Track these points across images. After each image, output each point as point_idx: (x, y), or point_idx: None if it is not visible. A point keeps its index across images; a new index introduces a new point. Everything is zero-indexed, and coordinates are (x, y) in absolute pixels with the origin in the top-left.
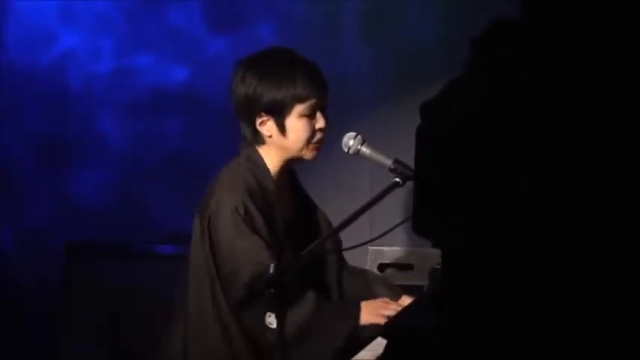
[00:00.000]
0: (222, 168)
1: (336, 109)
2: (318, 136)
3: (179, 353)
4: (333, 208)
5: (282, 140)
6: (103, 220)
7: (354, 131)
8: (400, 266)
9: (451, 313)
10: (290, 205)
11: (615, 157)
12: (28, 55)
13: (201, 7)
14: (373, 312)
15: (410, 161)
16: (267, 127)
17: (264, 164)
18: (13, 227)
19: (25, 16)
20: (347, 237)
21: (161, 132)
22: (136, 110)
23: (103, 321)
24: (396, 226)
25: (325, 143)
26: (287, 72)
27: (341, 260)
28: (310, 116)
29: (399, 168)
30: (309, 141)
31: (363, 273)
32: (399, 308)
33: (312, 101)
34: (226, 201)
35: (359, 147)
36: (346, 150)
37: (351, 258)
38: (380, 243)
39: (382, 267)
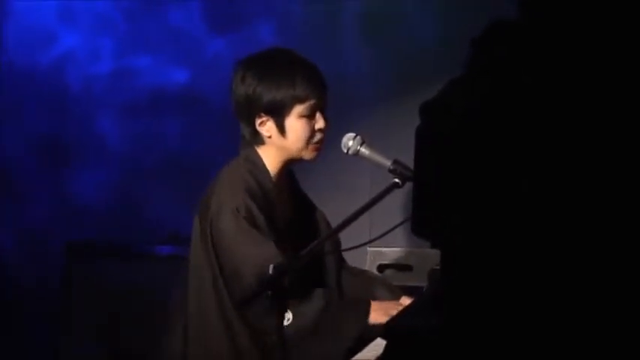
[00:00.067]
0: (221, 168)
1: (335, 109)
2: (318, 136)
3: (179, 353)
4: (332, 209)
5: (282, 141)
6: (102, 220)
7: (353, 131)
8: (399, 267)
9: (450, 313)
10: (289, 206)
11: (615, 157)
12: (28, 56)
13: (201, 8)
14: (383, 312)
15: (410, 161)
16: (266, 127)
17: (264, 165)
18: (13, 227)
19: (24, 16)
20: (346, 238)
21: (161, 132)
22: (135, 110)
23: (103, 321)
24: (396, 227)
25: (325, 144)
26: (286, 72)
27: (340, 261)
28: (310, 117)
29: (398, 169)
30: (308, 141)
31: (362, 273)
32: None
33: (312, 102)
34: (227, 202)
35: (358, 148)
36: (345, 151)
37: (350, 259)
38: (379, 244)
39: (381, 268)
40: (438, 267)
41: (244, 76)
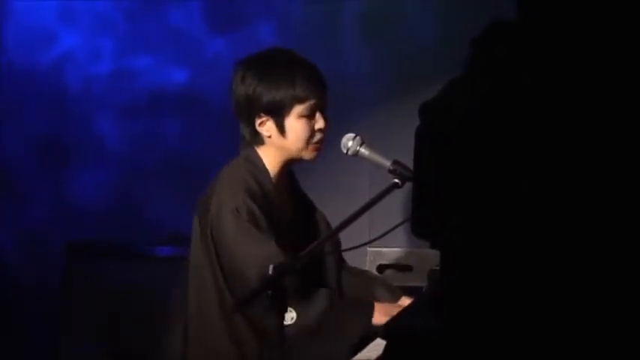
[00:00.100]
0: (221, 168)
1: (335, 109)
2: (318, 136)
3: (179, 353)
4: (332, 209)
5: (282, 141)
6: (102, 220)
7: (353, 131)
8: (399, 267)
9: (450, 314)
10: (289, 206)
11: (615, 156)
12: (28, 56)
13: (201, 8)
14: (386, 313)
15: (410, 162)
16: (266, 127)
17: (264, 165)
18: (13, 227)
19: (24, 16)
20: (346, 238)
21: (161, 132)
22: (135, 110)
23: (103, 321)
24: (395, 227)
25: (324, 144)
26: (286, 73)
27: (340, 261)
28: (309, 117)
29: (397, 169)
30: (308, 141)
31: (362, 273)
32: None
33: (312, 102)
34: (227, 202)
35: (358, 148)
36: (345, 151)
37: (350, 259)
38: (379, 244)
39: (381, 268)
40: (437, 267)
41: (244, 76)
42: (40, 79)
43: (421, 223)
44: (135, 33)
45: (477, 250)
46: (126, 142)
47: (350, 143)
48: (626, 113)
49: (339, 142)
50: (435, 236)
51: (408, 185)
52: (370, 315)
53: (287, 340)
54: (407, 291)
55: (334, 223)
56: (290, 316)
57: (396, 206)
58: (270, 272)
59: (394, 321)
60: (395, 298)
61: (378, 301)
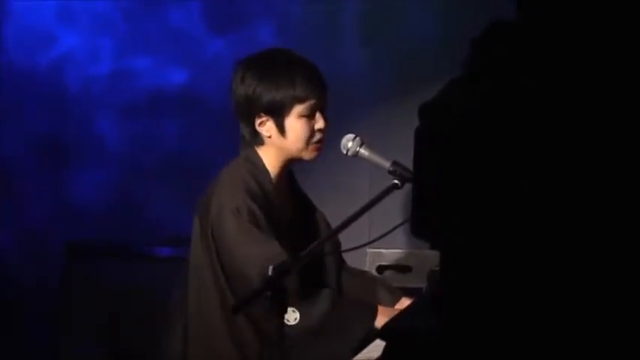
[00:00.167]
0: (221, 169)
1: (335, 109)
2: (318, 136)
3: (179, 353)
4: (331, 210)
5: (282, 141)
6: (102, 221)
7: (353, 131)
8: (399, 268)
9: (450, 314)
10: (289, 206)
11: (615, 156)
12: (27, 56)
13: (200, 8)
14: (388, 316)
15: (410, 162)
16: (266, 127)
17: (264, 165)
18: (13, 227)
19: (23, 16)
20: (345, 239)
21: (160, 132)
22: (135, 111)
23: (103, 321)
24: (395, 228)
25: (324, 144)
26: (286, 73)
27: (340, 261)
28: (309, 117)
29: (397, 170)
30: (308, 141)
31: (362, 274)
32: None
33: (312, 102)
34: (227, 202)
35: (357, 149)
36: (345, 152)
37: (349, 260)
38: (378, 245)
39: (381, 269)
40: (437, 268)
41: (244, 76)
42: (39, 80)
43: (421, 223)
44: (135, 33)
45: (476, 251)
46: (126, 142)
47: (350, 144)
48: (626, 113)
49: (339, 143)
50: (434, 237)
51: (408, 186)
52: (373, 317)
53: (289, 341)
54: (406, 292)
55: (334, 223)
56: (293, 317)
57: (395, 207)
58: (270, 273)
59: (393, 322)
60: (395, 299)
61: (378, 302)
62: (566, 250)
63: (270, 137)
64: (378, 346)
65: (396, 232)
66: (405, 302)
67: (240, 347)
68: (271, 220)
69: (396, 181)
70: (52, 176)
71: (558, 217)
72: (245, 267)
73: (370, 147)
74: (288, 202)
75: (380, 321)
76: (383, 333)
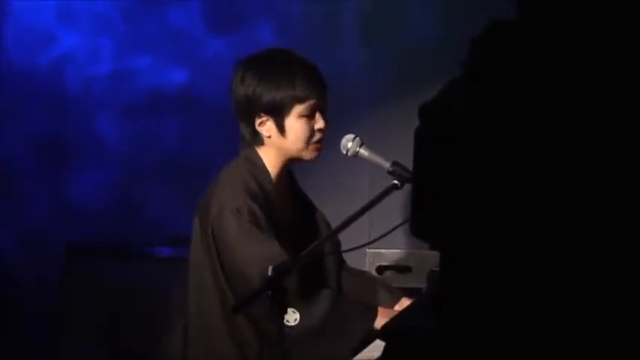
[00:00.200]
0: (221, 169)
1: (335, 109)
2: (318, 136)
3: (179, 353)
4: (331, 210)
5: (281, 140)
6: (102, 221)
7: (353, 132)
8: (398, 268)
9: (450, 315)
10: (289, 206)
11: (615, 156)
12: (27, 56)
13: (200, 8)
14: (388, 316)
15: (410, 162)
16: (266, 127)
17: (264, 165)
18: (13, 227)
19: (23, 16)
20: (345, 239)
21: (160, 133)
22: (135, 111)
23: (103, 321)
24: (395, 229)
25: (324, 144)
26: (286, 73)
27: (340, 262)
28: (309, 116)
29: (397, 170)
30: (308, 141)
31: (362, 274)
32: None
33: (312, 102)
34: (228, 202)
35: (357, 149)
36: (344, 152)
37: (349, 260)
38: (378, 245)
39: (380, 269)
40: (436, 268)
41: (244, 76)
42: (39, 80)
43: (421, 224)
44: (134, 33)
45: (476, 251)
46: (126, 142)
47: (349, 144)
48: (626, 113)
49: (339, 143)
50: (434, 237)
51: (408, 186)
52: (373, 318)
53: (289, 341)
54: (406, 292)
55: (334, 223)
56: (293, 318)
57: (395, 207)
58: (270, 273)
59: (393, 322)
60: (395, 299)
61: (378, 302)
62: (565, 250)
63: (270, 137)
64: (378, 346)
65: (395, 233)
66: (404, 302)
67: (240, 347)
68: (271, 220)
69: (395, 182)
70: (52, 176)
71: (558, 217)
72: (245, 267)
73: (370, 147)
74: (288, 202)
75: (379, 322)
76: (383, 333)
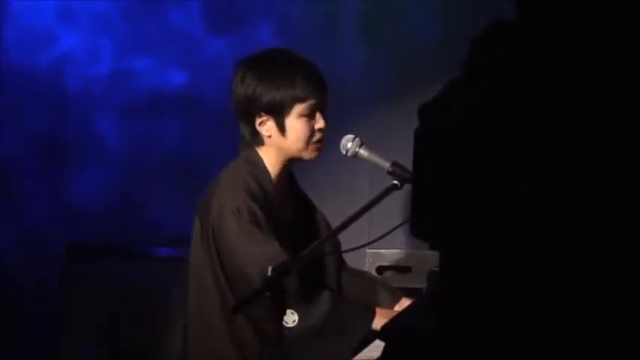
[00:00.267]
0: (221, 169)
1: (335, 109)
2: (318, 136)
3: (179, 353)
4: (331, 210)
5: (282, 140)
6: (102, 221)
7: (353, 132)
8: (398, 269)
9: (450, 315)
10: (289, 206)
11: (615, 156)
12: (27, 56)
13: (200, 8)
14: (386, 317)
15: (410, 162)
16: (266, 127)
17: (264, 165)
18: (13, 227)
19: (23, 16)
20: (345, 239)
21: (160, 133)
22: (135, 111)
23: (103, 321)
24: (395, 229)
25: (324, 144)
26: (286, 73)
27: (340, 262)
28: (310, 116)
29: (397, 170)
30: (308, 141)
31: (362, 274)
32: None
33: (312, 101)
34: (228, 203)
35: (357, 149)
36: (344, 152)
37: (349, 260)
38: (378, 245)
39: (380, 269)
40: (436, 268)
41: (244, 76)
42: (39, 80)
43: (420, 224)
44: (134, 33)
45: (476, 251)
46: (126, 143)
47: (349, 144)
48: (626, 113)
49: (339, 143)
50: (434, 237)
51: (408, 186)
52: (371, 319)
53: (289, 342)
54: (406, 292)
55: (334, 223)
56: (292, 319)
57: (395, 207)
58: (269, 273)
59: (393, 322)
60: (395, 300)
61: (379, 302)
62: (565, 250)
63: (270, 137)
64: (378, 346)
65: (395, 233)
66: (404, 303)
67: (240, 347)
68: (271, 220)
69: (395, 182)
70: (52, 176)
71: (558, 217)
72: (245, 267)
73: (370, 147)
74: (288, 202)
75: (377, 322)
76: (383, 333)
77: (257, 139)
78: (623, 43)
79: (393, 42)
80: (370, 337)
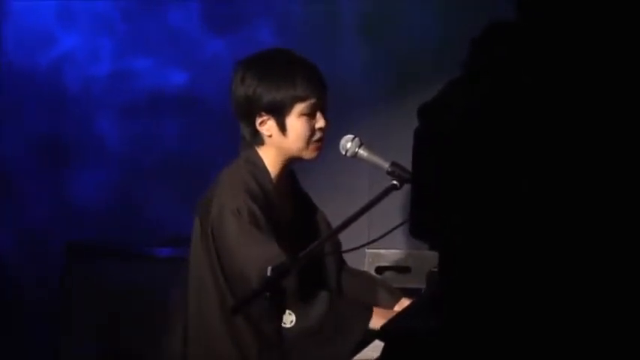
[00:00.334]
0: (221, 170)
1: (335, 109)
2: (318, 135)
3: (179, 353)
4: (331, 210)
5: (282, 140)
6: (102, 221)
7: (353, 132)
8: (398, 269)
9: (449, 315)
10: (290, 206)
11: (615, 156)
12: (27, 57)
13: (200, 8)
14: (384, 317)
15: (410, 162)
16: (267, 126)
17: (264, 165)
18: (13, 227)
19: (23, 16)
20: (345, 239)
21: (160, 133)
22: (135, 111)
23: (103, 321)
24: (394, 229)
25: (324, 144)
26: (286, 73)
27: (341, 262)
28: (310, 115)
29: (396, 171)
30: (308, 140)
31: (362, 274)
32: None
33: (312, 101)
34: (228, 203)
35: (356, 150)
36: (344, 152)
37: (349, 260)
38: (378, 245)
39: (380, 269)
40: (436, 269)
41: (244, 76)
42: (39, 80)
43: (420, 224)
44: (134, 33)
45: (476, 251)
46: (126, 143)
47: (349, 145)
48: (626, 113)
49: (339, 143)
50: (433, 238)
51: (407, 186)
52: (369, 319)
53: (287, 343)
54: (405, 292)
55: (334, 223)
56: (289, 320)
57: (395, 208)
58: (269, 273)
59: (392, 322)
60: (394, 300)
61: (378, 302)
62: (565, 250)
63: (270, 136)
64: (377, 346)
65: (395, 233)
66: (404, 303)
67: (240, 348)
68: (272, 220)
69: (394, 182)
70: (52, 176)
71: (558, 217)
72: (245, 268)
73: (369, 148)
74: (288, 202)
75: (375, 322)
76: (382, 333)
77: (257, 139)
78: (623, 43)
79: (393, 42)
80: (369, 337)
